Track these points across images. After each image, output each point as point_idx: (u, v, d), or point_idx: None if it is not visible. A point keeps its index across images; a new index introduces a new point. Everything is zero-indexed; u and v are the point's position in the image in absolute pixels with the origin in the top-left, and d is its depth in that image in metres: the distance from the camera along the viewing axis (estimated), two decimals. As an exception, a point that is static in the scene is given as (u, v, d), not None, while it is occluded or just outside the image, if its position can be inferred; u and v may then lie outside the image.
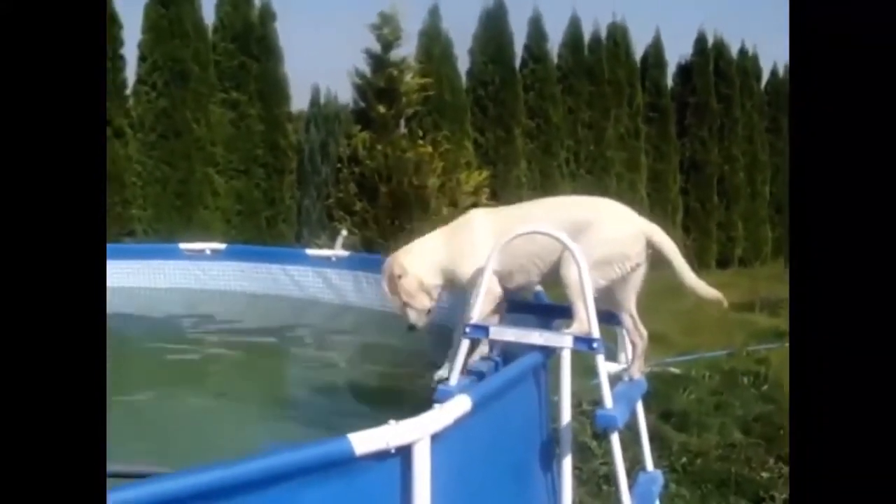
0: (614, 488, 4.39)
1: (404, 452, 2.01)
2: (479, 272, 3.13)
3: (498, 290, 3.27)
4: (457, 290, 3.47)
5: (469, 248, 3.29)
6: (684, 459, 4.98)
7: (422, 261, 3.40)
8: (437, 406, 2.16)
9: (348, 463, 1.92)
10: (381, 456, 1.97)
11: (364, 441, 1.91)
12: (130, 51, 9.82)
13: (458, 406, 2.18)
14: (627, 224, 3.24)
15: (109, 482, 1.67)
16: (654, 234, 3.24)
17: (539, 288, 3.85)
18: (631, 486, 3.08)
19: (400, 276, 3.36)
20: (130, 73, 9.83)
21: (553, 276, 3.25)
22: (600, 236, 3.09)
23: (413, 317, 3.41)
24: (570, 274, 2.99)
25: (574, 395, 2.96)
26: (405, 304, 3.39)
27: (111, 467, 2.43)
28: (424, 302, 3.39)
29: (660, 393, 5.88)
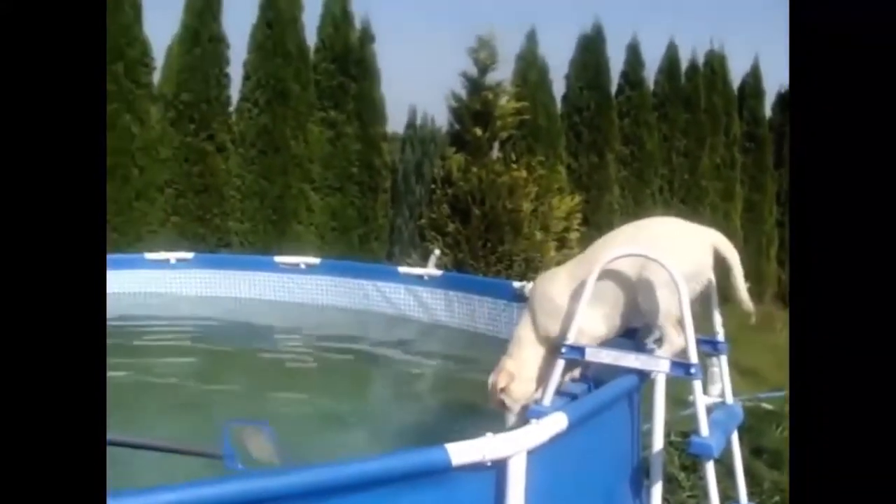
0: (703, 522, 4.30)
1: (500, 466, 2.01)
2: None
3: (599, 332, 3.22)
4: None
5: (555, 315, 3.26)
6: (777, 498, 4.82)
7: (526, 362, 3.35)
8: (533, 421, 2.16)
9: (444, 472, 1.93)
10: (477, 468, 1.98)
11: (461, 451, 1.93)
12: (236, 70, 10.15)
13: (554, 423, 2.17)
14: (695, 237, 3.19)
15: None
16: (719, 243, 3.20)
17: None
18: (724, 519, 3.01)
19: (504, 389, 3.34)
20: (235, 91, 10.14)
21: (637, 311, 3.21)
22: (674, 256, 2.97)
23: (511, 420, 3.35)
24: (658, 297, 2.95)
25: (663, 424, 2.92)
26: (506, 408, 3.37)
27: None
28: (524, 403, 3.32)
29: (752, 428, 5.72)
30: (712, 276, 3.18)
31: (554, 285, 3.31)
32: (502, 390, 3.33)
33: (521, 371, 3.34)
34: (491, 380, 3.40)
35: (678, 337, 2.86)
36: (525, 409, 3.29)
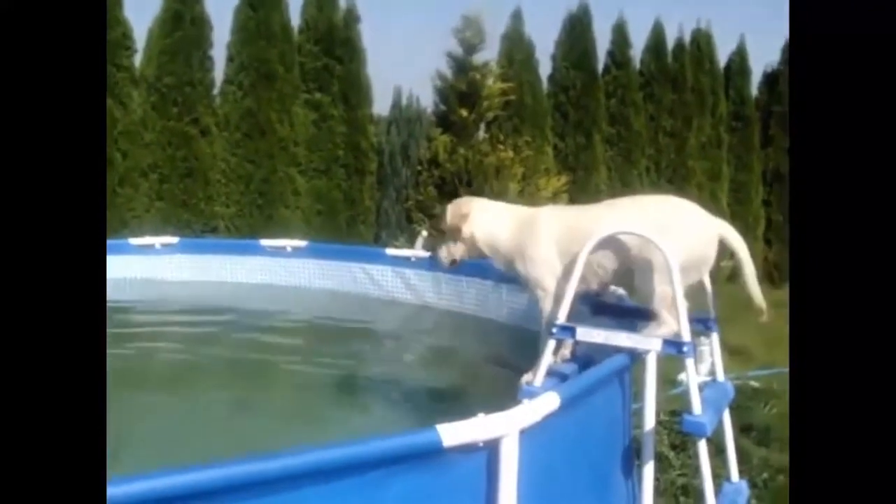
0: (693, 500, 4.31)
1: (492, 446, 1.99)
2: (542, 270, 3.19)
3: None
4: (509, 270, 3.52)
5: (532, 246, 3.30)
6: (765, 475, 4.83)
7: (489, 227, 3.47)
8: (525, 401, 2.13)
9: (436, 454, 1.90)
10: (469, 449, 1.95)
11: (453, 433, 1.90)
12: (219, 52, 10.03)
13: (546, 403, 2.15)
14: (704, 227, 3.17)
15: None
16: (727, 233, 3.21)
17: (622, 291, 3.80)
18: (716, 496, 3.00)
19: (465, 216, 3.47)
20: (219, 73, 10.02)
21: (620, 283, 3.26)
22: (680, 243, 2.97)
23: (443, 254, 3.57)
24: (654, 281, 2.94)
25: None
26: (447, 241, 3.54)
27: None
28: (458, 252, 3.54)
29: (740, 406, 5.74)
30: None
31: (550, 225, 3.33)
32: (464, 218, 3.46)
33: (479, 223, 3.47)
34: (460, 206, 3.53)
35: (672, 320, 2.85)
36: (454, 264, 3.57)
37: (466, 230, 3.47)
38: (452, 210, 3.53)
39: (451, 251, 3.55)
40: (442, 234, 3.54)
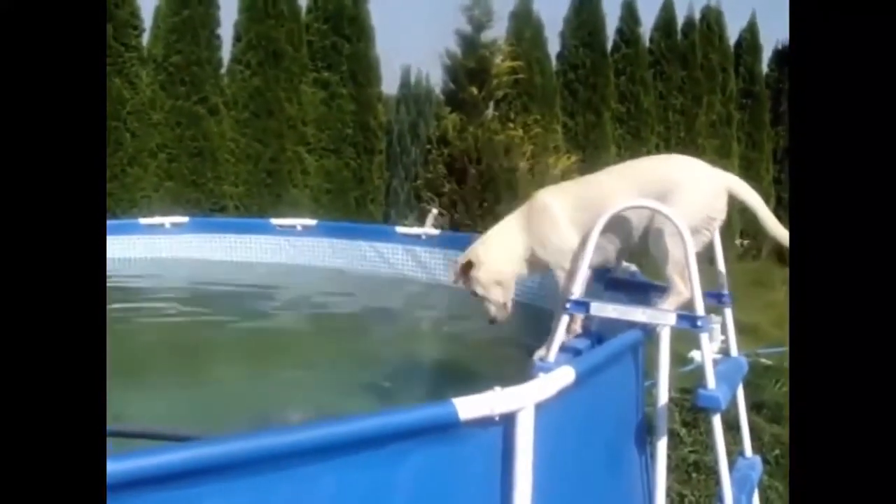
0: (704, 476, 4.32)
1: (508, 420, 1.98)
2: (564, 250, 3.17)
3: (592, 261, 3.21)
4: (543, 271, 3.43)
5: (550, 229, 3.26)
6: (777, 451, 4.84)
7: (500, 251, 3.35)
8: (541, 375, 2.12)
9: (452, 428, 1.89)
10: (485, 423, 1.94)
11: (469, 406, 1.89)
12: (226, 31, 10.02)
13: (562, 377, 2.14)
14: (708, 184, 3.12)
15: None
16: (734, 185, 3.16)
17: (634, 267, 3.79)
18: (730, 471, 2.99)
19: (471, 265, 3.33)
20: (226, 52, 10.01)
21: (632, 252, 3.24)
22: (685, 208, 2.93)
23: (492, 311, 3.38)
24: (668, 247, 2.92)
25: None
26: (483, 298, 3.36)
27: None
28: (499, 295, 3.34)
29: (751, 383, 5.74)
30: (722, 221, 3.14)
31: (556, 203, 3.28)
32: (464, 271, 3.34)
33: (488, 257, 3.33)
34: (458, 262, 3.41)
35: (685, 288, 2.83)
36: (506, 308, 3.38)
37: (485, 274, 3.32)
38: (460, 271, 3.39)
39: (493, 298, 3.36)
40: (477, 295, 3.37)
